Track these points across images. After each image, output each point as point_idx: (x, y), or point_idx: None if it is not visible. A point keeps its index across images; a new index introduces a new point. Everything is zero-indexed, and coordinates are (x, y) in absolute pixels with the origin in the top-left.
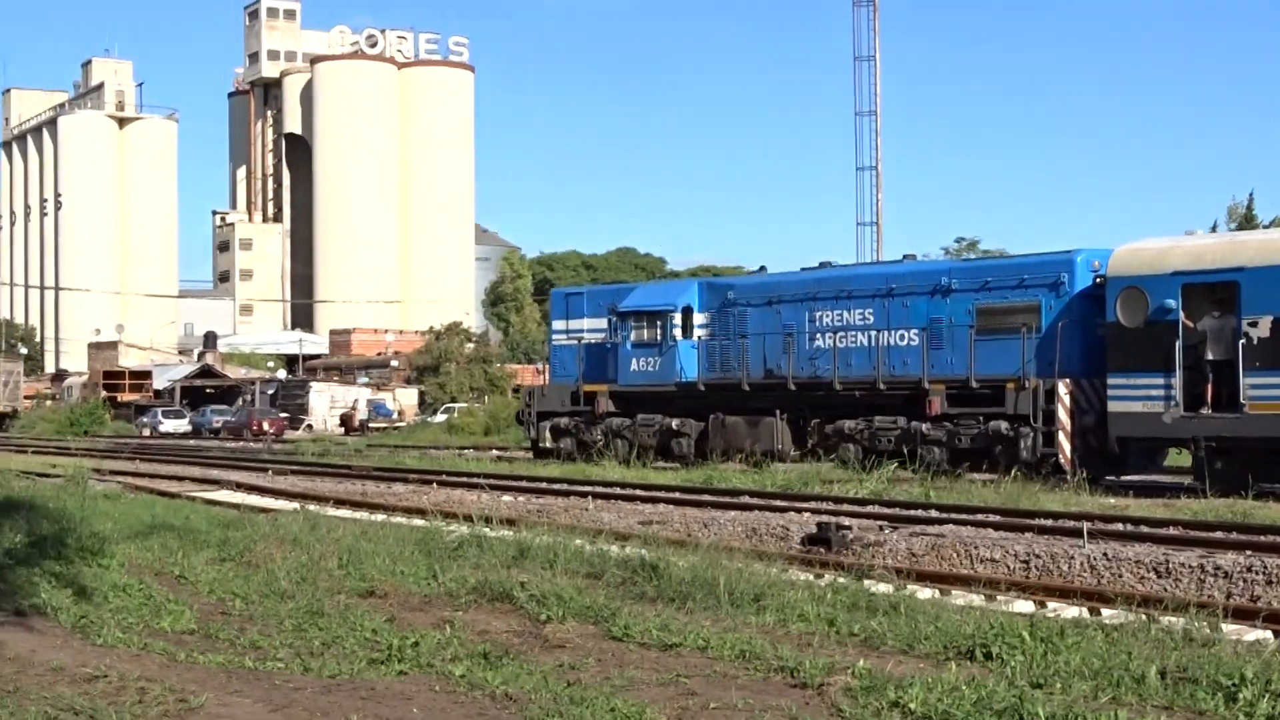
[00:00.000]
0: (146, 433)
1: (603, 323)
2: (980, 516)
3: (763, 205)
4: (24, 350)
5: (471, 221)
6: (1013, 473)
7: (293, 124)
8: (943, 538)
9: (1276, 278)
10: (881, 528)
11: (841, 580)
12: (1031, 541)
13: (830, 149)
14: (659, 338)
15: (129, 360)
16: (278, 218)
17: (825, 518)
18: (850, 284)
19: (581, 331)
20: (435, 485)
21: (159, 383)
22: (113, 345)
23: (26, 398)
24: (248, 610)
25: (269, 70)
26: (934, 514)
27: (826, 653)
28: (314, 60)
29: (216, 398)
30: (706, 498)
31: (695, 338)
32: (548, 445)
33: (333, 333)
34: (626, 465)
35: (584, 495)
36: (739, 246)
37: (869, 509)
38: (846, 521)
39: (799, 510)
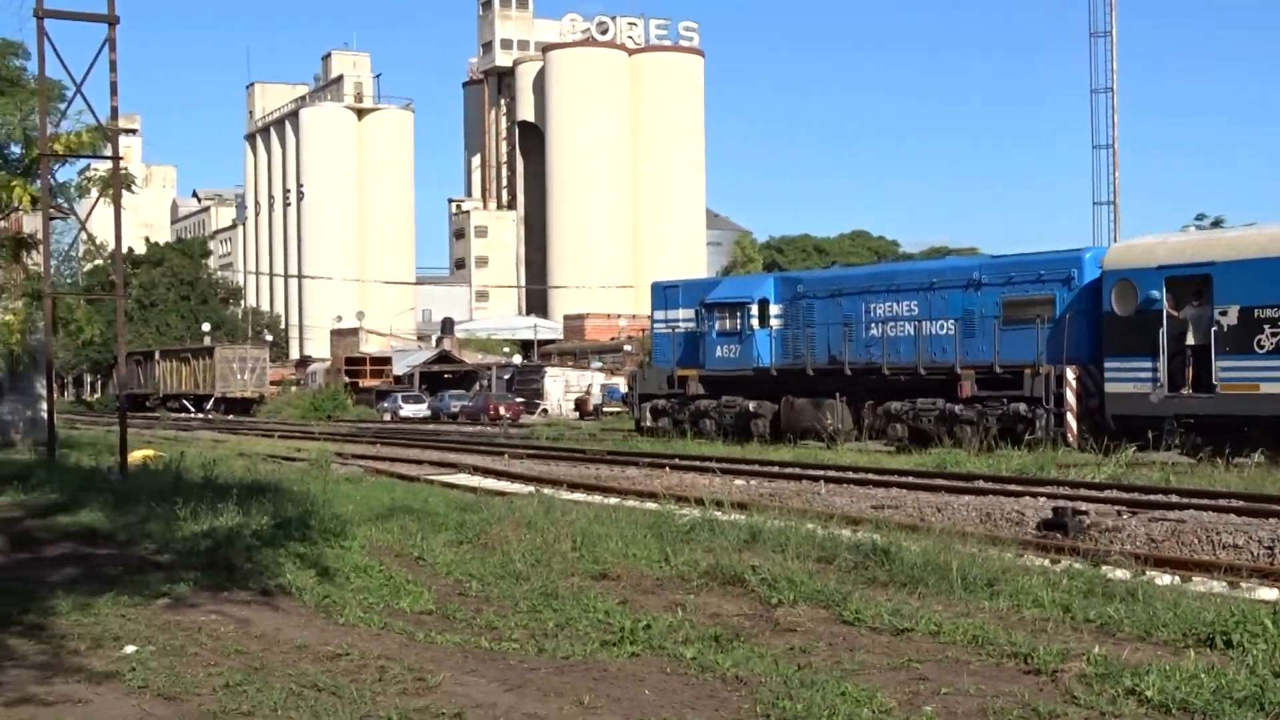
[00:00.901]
0: (387, 417)
1: (694, 313)
2: (1222, 502)
3: (997, 185)
4: (270, 337)
5: (702, 206)
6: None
7: (526, 112)
8: (1183, 523)
9: (1242, 271)
10: (1120, 513)
11: (1077, 566)
12: (1276, 527)
13: (1065, 127)
14: (739, 327)
15: (369, 346)
16: (511, 204)
17: (1062, 502)
18: (899, 279)
19: (677, 321)
20: (667, 469)
21: (398, 368)
22: (354, 332)
23: (272, 383)
24: (484, 591)
25: (502, 59)
26: (1174, 499)
27: (1061, 639)
28: (546, 49)
29: (454, 383)
30: (940, 482)
31: (771, 327)
32: (648, 424)
33: (566, 318)
34: (714, 442)
35: (816, 479)
36: (973, 227)
37: (1106, 494)
38: (1083, 506)
39: (1034, 495)
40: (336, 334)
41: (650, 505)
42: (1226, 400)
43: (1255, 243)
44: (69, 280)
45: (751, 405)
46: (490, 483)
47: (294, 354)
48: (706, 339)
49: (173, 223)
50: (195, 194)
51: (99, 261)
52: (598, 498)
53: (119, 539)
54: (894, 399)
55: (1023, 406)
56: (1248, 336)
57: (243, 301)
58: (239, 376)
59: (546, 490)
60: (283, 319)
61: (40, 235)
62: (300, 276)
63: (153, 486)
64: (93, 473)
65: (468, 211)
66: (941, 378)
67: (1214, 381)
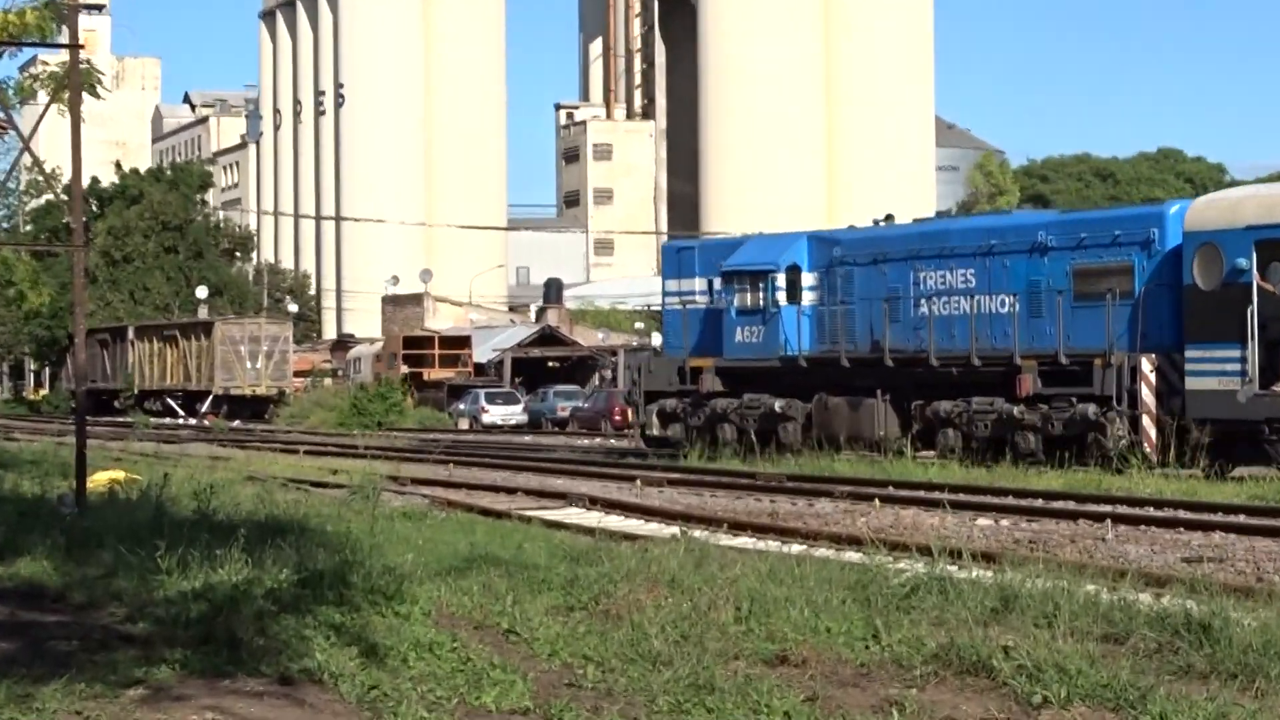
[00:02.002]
0: (464, 424)
1: (708, 284)
2: None
3: None
4: (294, 307)
5: (930, 114)
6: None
7: None
8: None
9: None
10: None
11: None
12: None
13: None
14: (762, 303)
15: (439, 321)
16: (648, 113)
17: None
18: (952, 239)
19: (692, 294)
20: (877, 502)
21: (481, 353)
22: (416, 300)
23: (297, 374)
24: (605, 681)
25: None
26: None
27: None
28: None
29: (563, 374)
30: None
31: (802, 303)
32: (655, 432)
33: None
34: (740, 458)
35: (1099, 518)
36: None
37: None
38: None
39: None
40: (391, 303)
41: (851, 556)
42: None
43: None
44: (4, 225)
45: (778, 405)
46: (615, 521)
47: (329, 332)
48: (725, 318)
49: (155, 141)
50: (188, 99)
51: (49, 197)
52: (773, 544)
53: (73, 600)
54: (946, 397)
55: (1092, 408)
56: None
57: (255, 255)
58: (249, 365)
59: (698, 533)
60: (313, 281)
61: None
62: (339, 219)
63: (123, 524)
64: (37, 504)
65: (583, 123)
66: (1000, 369)
67: None
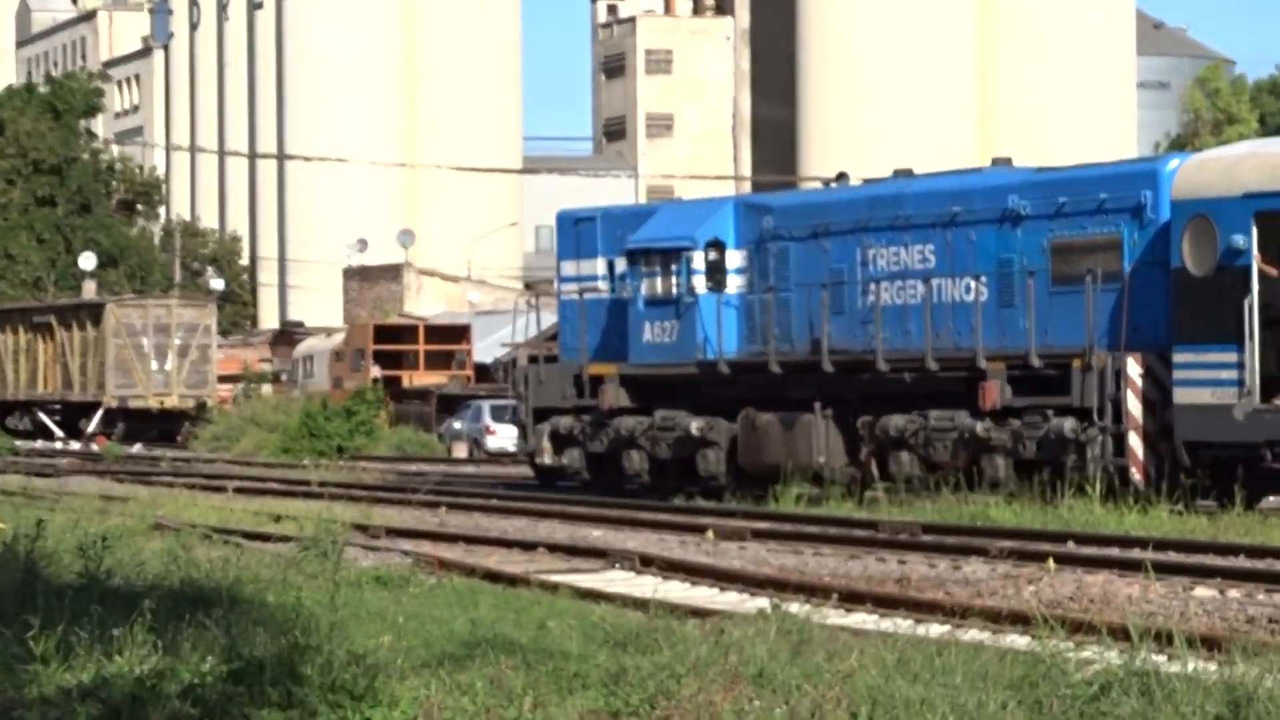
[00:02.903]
0: (460, 451)
1: (610, 267)
2: None
3: None
4: (218, 283)
5: (1130, 11)
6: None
7: None
8: None
9: None
10: None
11: None
12: None
13: None
14: (675, 290)
15: (424, 304)
16: (723, 7)
17: None
18: (906, 206)
19: (593, 280)
20: (1051, 563)
21: (485, 349)
22: (392, 273)
23: (223, 379)
24: None
25: None
26: None
27: None
28: None
29: None
30: None
31: (730, 289)
32: (546, 461)
33: None
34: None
35: None
36: None
37: None
38: None
39: None
40: (357, 278)
41: (1015, 640)
42: None
43: None
44: None
45: (695, 426)
46: (678, 589)
47: (268, 319)
48: (630, 312)
49: (21, 45)
50: None
51: None
52: (903, 623)
53: None
54: (900, 410)
55: (1069, 423)
56: None
57: (164, 210)
58: (154, 365)
59: (795, 606)
60: (245, 246)
61: None
62: (281, 157)
63: None
64: None
65: (630, 21)
66: (961, 375)
67: None
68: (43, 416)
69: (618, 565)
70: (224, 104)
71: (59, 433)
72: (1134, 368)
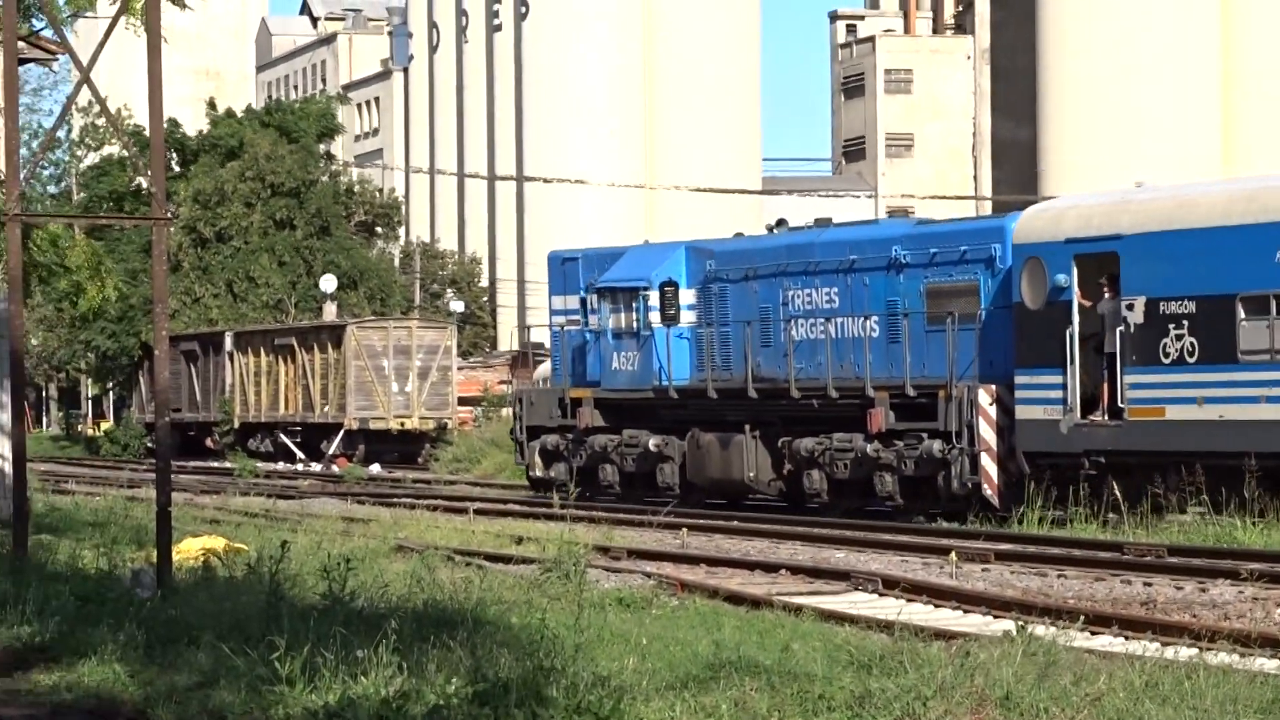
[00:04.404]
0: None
1: (581, 303)
2: None
3: None
4: (458, 305)
5: None
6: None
7: None
8: None
9: (1149, 249)
10: None
11: None
12: None
13: None
14: (636, 324)
15: None
16: (963, 26)
17: None
18: (817, 254)
19: (576, 313)
20: None
21: None
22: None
23: (463, 401)
24: None
25: None
26: None
27: None
28: None
29: None
30: None
31: (680, 324)
32: (538, 473)
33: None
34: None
35: None
36: None
37: None
38: None
39: None
40: None
41: (1266, 664)
42: (1135, 430)
43: (1163, 209)
44: (55, 191)
45: (653, 443)
46: (921, 611)
47: (507, 340)
48: (601, 342)
49: (261, 69)
50: (307, 8)
51: (112, 150)
52: (1150, 646)
53: None
54: (811, 433)
55: (937, 445)
56: (1154, 340)
57: (403, 231)
58: (395, 387)
59: (1040, 629)
60: (484, 268)
61: None
62: (520, 179)
63: (223, 612)
64: (103, 584)
65: (870, 40)
66: (856, 402)
67: (1120, 404)
68: (284, 438)
69: (861, 587)
70: (463, 125)
71: (300, 455)
72: (985, 397)
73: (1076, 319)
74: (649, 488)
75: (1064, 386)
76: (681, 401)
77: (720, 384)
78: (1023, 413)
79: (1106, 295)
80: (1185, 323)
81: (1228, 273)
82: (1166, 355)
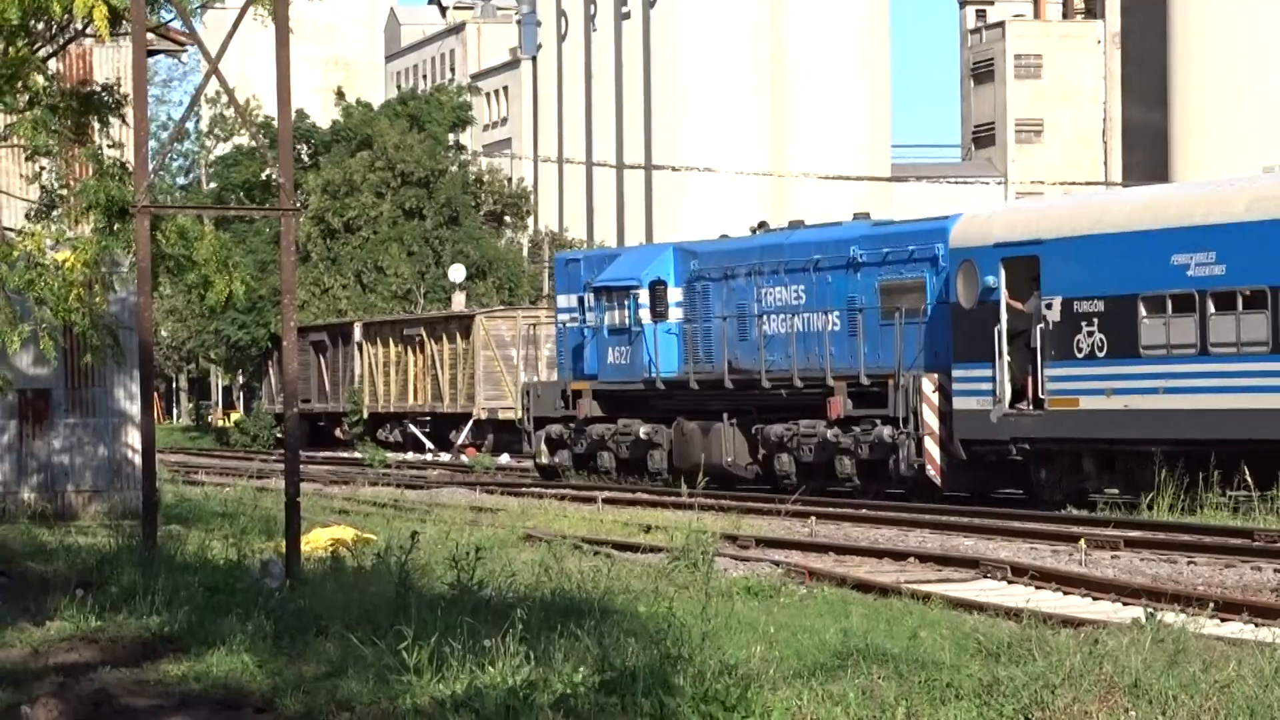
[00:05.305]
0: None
1: (579, 301)
2: None
3: None
4: None
5: None
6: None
7: None
8: None
9: (1065, 253)
10: None
11: None
12: None
13: None
14: (627, 321)
15: None
16: (1094, 11)
17: None
18: (786, 254)
19: (577, 311)
20: None
21: None
22: None
23: None
24: None
25: None
26: None
27: None
28: None
29: None
30: None
31: (669, 320)
32: (544, 460)
33: None
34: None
35: None
36: None
37: None
38: None
39: None
40: None
41: None
42: (1054, 419)
43: (1077, 217)
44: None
45: (643, 431)
46: (1049, 599)
47: None
48: (598, 338)
49: (390, 59)
50: None
51: (240, 141)
52: (1279, 633)
53: (285, 710)
54: (781, 420)
55: (887, 430)
56: (1069, 336)
57: (532, 221)
58: (523, 376)
59: (1169, 616)
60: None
61: (128, 89)
62: (649, 167)
63: (351, 603)
64: (232, 574)
65: (999, 26)
66: (818, 391)
67: (1041, 395)
68: (413, 428)
69: (989, 575)
70: (591, 114)
71: (429, 445)
72: (928, 385)
73: (1004, 317)
74: (642, 472)
75: (993, 379)
76: (668, 392)
77: (701, 376)
78: (959, 403)
79: (1037, 295)
80: (1095, 320)
81: (1131, 275)
82: (1080, 350)
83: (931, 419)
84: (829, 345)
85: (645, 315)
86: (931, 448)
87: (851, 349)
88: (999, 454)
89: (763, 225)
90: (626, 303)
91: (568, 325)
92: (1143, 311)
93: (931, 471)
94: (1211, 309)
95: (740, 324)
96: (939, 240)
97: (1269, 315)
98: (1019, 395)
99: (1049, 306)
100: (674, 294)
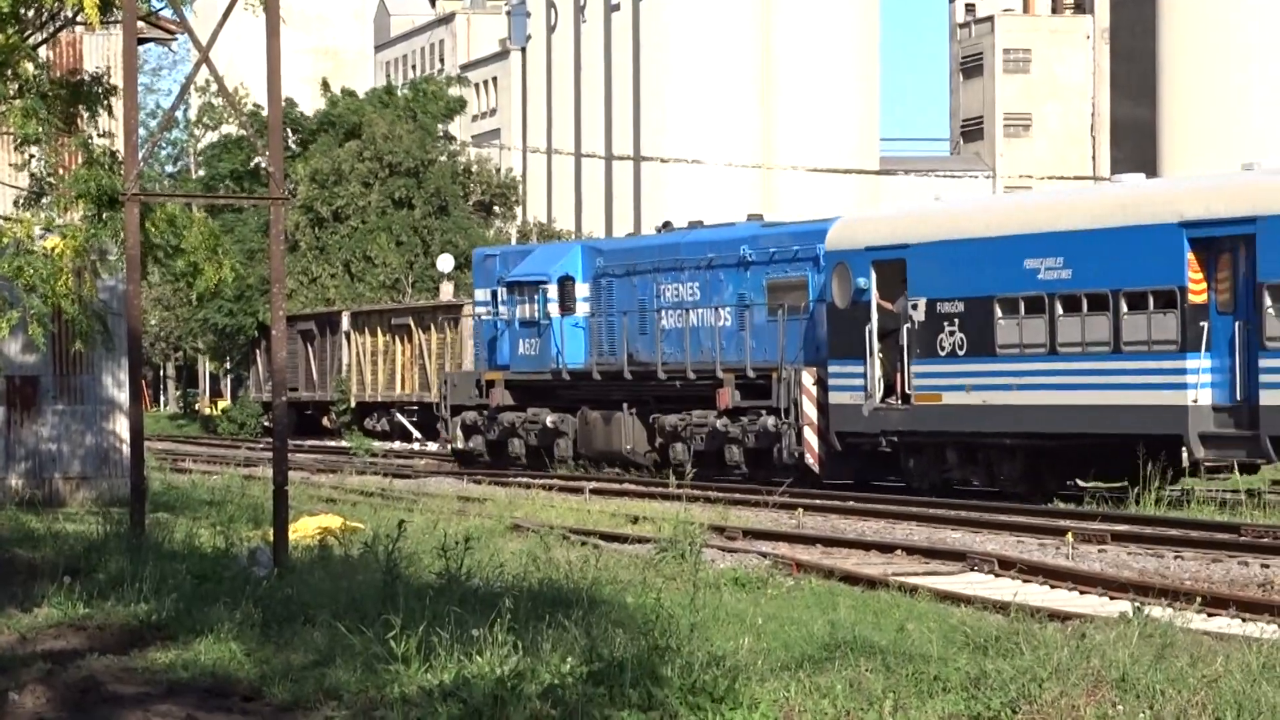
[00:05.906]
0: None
1: (492, 295)
2: None
3: None
4: None
5: None
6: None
7: None
8: None
9: (928, 256)
10: None
11: None
12: None
13: None
14: (537, 315)
15: None
16: (1083, 5)
17: None
18: (683, 253)
19: (490, 304)
20: None
21: None
22: None
23: None
24: None
25: None
26: None
27: None
28: None
29: None
30: None
31: (576, 314)
32: (460, 445)
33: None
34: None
35: None
36: None
37: None
38: None
39: None
40: None
41: None
42: (920, 414)
43: (940, 222)
44: (172, 171)
45: (550, 420)
46: (1037, 592)
47: None
48: (510, 330)
49: (380, 49)
50: None
51: (230, 130)
52: (1268, 628)
53: (273, 699)
54: (675, 411)
55: (771, 420)
56: (933, 336)
57: (520, 211)
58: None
59: (1156, 610)
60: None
61: (117, 77)
62: (637, 159)
63: (339, 591)
64: (220, 562)
65: (988, 20)
66: (708, 383)
67: (908, 390)
68: (400, 418)
69: (976, 568)
70: (580, 105)
71: (417, 434)
72: (808, 378)
73: (875, 317)
74: (550, 459)
75: (864, 376)
76: (574, 383)
77: (604, 367)
78: (834, 398)
79: (906, 296)
80: (956, 321)
81: (987, 278)
82: (943, 349)
83: (811, 410)
84: (719, 340)
85: (554, 309)
86: (811, 438)
87: (740, 343)
88: (872, 445)
89: (667, 225)
90: (537, 297)
91: (483, 318)
92: (998, 313)
93: (811, 460)
94: (1059, 311)
95: (640, 318)
96: (820, 242)
97: (1110, 317)
98: (890, 391)
99: (915, 307)
100: (581, 289)
